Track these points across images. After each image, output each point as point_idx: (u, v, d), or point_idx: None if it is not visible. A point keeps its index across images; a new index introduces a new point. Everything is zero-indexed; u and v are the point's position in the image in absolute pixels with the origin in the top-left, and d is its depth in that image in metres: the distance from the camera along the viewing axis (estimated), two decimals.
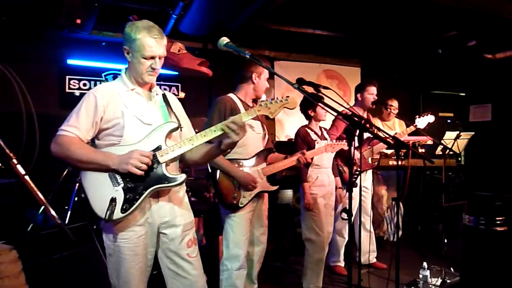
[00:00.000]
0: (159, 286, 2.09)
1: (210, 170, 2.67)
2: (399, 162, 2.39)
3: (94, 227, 2.85)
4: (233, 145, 1.90)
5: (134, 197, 1.81)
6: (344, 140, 3.22)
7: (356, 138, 1.92)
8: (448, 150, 3.77)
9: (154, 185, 1.83)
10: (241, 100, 2.73)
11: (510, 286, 2.64)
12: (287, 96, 2.00)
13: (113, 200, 1.78)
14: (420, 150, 4.75)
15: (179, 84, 5.46)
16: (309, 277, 3.38)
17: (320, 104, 1.88)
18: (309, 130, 3.41)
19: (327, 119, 3.56)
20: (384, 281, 3.48)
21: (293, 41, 5.72)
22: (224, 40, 1.91)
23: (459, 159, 5.79)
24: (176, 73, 5.21)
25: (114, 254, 1.87)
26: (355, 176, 3.43)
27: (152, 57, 1.87)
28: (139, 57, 1.86)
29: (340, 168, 3.79)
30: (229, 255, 2.67)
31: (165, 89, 4.94)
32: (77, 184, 3.85)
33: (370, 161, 3.94)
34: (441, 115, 7.23)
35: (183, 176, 1.87)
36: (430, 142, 4.66)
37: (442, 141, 4.30)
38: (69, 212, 3.72)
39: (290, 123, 5.91)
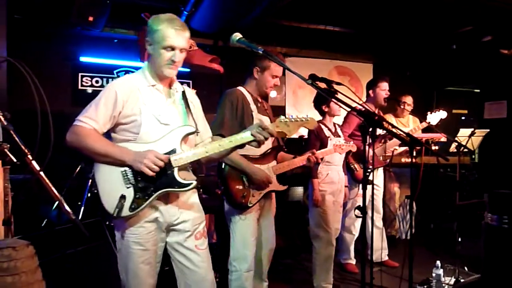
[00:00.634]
0: (171, 282, 2.09)
1: (218, 168, 2.58)
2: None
3: (107, 223, 2.88)
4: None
5: (144, 197, 1.81)
6: (352, 142, 3.19)
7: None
8: (462, 148, 3.71)
9: (164, 188, 1.83)
10: (250, 94, 2.67)
11: None
12: (308, 116, 2.02)
13: (122, 197, 1.79)
14: (433, 148, 4.68)
15: (190, 81, 5.47)
16: (319, 275, 3.37)
17: (333, 100, 1.85)
18: (323, 126, 3.38)
19: (341, 115, 3.51)
20: (396, 280, 3.44)
21: (304, 37, 5.68)
22: (237, 35, 1.90)
23: (473, 156, 5.70)
24: (188, 69, 5.22)
25: (123, 249, 1.89)
26: (367, 173, 3.39)
27: (172, 48, 1.85)
28: (159, 48, 1.85)
29: (352, 166, 3.76)
30: (237, 256, 2.59)
31: None
32: (90, 180, 3.89)
33: (381, 159, 3.90)
34: (455, 112, 7.13)
35: (194, 182, 1.87)
36: (443, 139, 4.59)
37: (456, 139, 4.24)
38: (82, 208, 3.76)
39: None
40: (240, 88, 2.68)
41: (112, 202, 1.78)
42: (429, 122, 4.08)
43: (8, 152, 1.61)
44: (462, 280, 3.39)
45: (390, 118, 4.51)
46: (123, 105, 1.84)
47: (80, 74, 4.93)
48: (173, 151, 1.85)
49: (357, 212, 1.83)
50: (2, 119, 1.64)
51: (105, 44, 5.00)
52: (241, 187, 2.53)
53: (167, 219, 1.92)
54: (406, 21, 5.06)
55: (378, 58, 6.55)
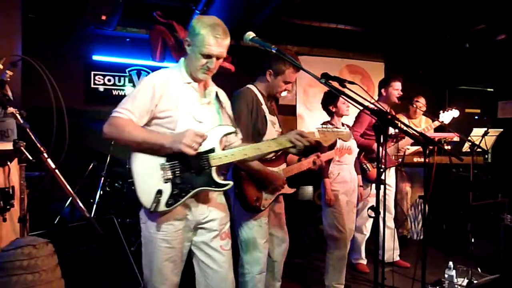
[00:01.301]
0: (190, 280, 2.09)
1: (233, 171, 2.51)
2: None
3: (119, 220, 2.90)
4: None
5: (180, 194, 1.81)
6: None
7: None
8: (476, 147, 3.66)
9: (201, 186, 1.84)
10: (261, 93, 2.60)
11: None
12: (345, 128, 2.04)
13: (159, 192, 1.78)
14: (446, 147, 4.63)
15: None
16: (331, 274, 3.35)
17: (345, 98, 1.84)
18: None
19: (350, 114, 3.48)
20: (408, 280, 3.42)
21: (316, 36, 5.65)
22: (250, 34, 1.89)
23: (486, 156, 5.62)
24: None
25: (149, 245, 1.89)
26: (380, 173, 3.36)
27: (209, 56, 1.84)
28: (197, 53, 1.84)
29: (364, 166, 3.74)
30: (249, 259, 2.55)
31: None
32: (102, 178, 3.93)
33: (393, 158, 3.87)
34: (468, 111, 7.03)
35: (231, 183, 1.88)
36: (456, 138, 4.54)
37: (469, 138, 4.18)
38: (94, 206, 3.80)
39: (311, 119, 5.86)
40: (251, 86, 2.60)
41: (149, 196, 1.78)
42: (442, 121, 4.03)
43: (24, 150, 1.64)
44: (475, 282, 3.34)
45: (402, 118, 4.47)
46: (159, 99, 1.83)
47: (92, 72, 4.97)
48: (211, 151, 1.85)
49: (370, 212, 1.82)
50: (19, 117, 1.66)
51: (117, 43, 5.03)
52: (254, 190, 2.48)
53: (196, 217, 1.93)
54: (418, 19, 5.00)
55: (390, 56, 6.48)
